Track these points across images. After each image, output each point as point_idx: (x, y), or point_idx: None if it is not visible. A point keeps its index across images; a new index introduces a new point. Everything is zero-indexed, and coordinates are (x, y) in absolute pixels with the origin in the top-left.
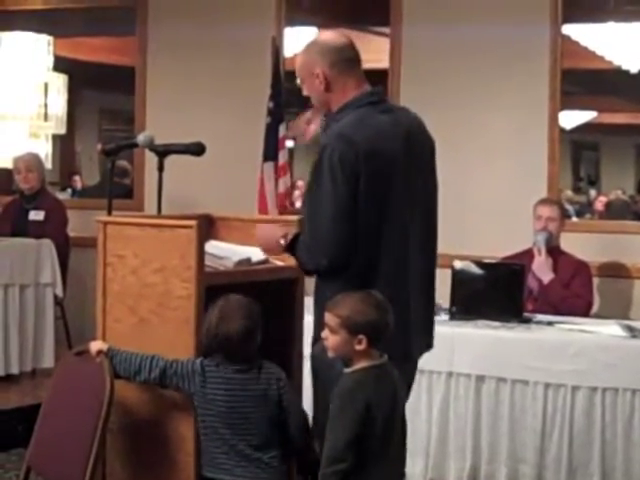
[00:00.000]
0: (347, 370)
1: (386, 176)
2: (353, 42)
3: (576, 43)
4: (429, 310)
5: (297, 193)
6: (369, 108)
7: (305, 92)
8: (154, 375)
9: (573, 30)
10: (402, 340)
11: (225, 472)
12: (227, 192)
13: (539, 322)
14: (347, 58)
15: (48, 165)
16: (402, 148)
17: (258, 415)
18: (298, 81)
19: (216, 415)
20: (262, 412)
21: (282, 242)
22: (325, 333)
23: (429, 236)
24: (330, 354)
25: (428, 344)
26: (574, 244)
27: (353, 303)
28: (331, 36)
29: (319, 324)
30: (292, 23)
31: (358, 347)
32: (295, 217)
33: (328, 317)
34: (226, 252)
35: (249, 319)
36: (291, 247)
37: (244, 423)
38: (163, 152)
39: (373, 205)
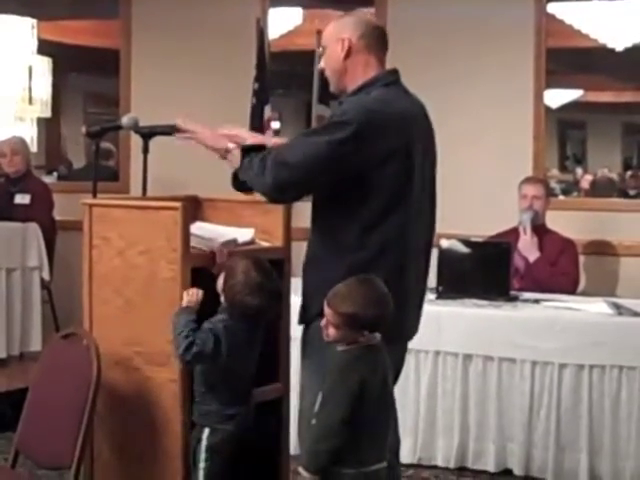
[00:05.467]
0: (340, 348)
1: (406, 158)
2: (385, 30)
3: (561, 21)
4: (422, 297)
5: None
6: (395, 88)
7: (322, 64)
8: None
9: (558, 8)
10: (400, 324)
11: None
12: (213, 173)
13: (526, 300)
14: (377, 37)
15: (33, 148)
16: (419, 132)
17: (256, 355)
18: (319, 50)
19: (230, 368)
20: (257, 352)
21: (230, 146)
22: (325, 323)
23: (432, 222)
24: (327, 339)
25: (415, 329)
26: (560, 222)
27: (356, 300)
28: (367, 15)
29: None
30: (276, 4)
31: (361, 339)
32: None
33: (329, 313)
34: (212, 233)
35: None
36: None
37: (249, 364)
38: (148, 134)
39: (393, 187)
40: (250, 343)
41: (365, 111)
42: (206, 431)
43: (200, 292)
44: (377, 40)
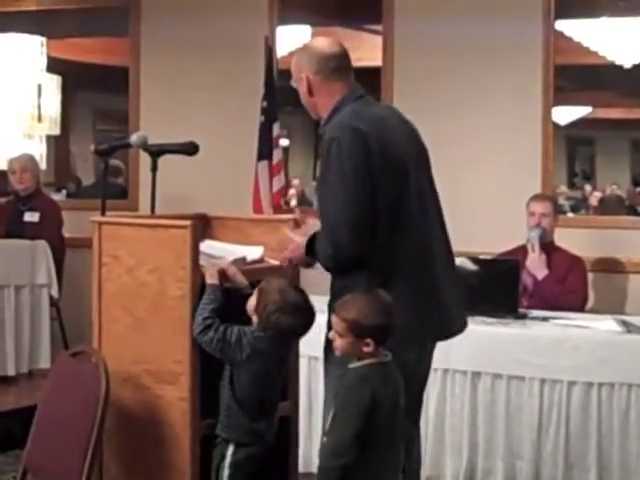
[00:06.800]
0: (352, 365)
1: (399, 161)
2: (345, 51)
3: (569, 39)
4: (460, 295)
5: (292, 192)
6: (361, 101)
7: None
8: (218, 336)
9: (566, 26)
10: (438, 323)
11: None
12: (222, 191)
13: (534, 318)
14: (333, 67)
15: (42, 166)
16: (405, 134)
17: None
18: (292, 81)
19: (258, 382)
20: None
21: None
22: (332, 334)
23: (442, 221)
24: (337, 353)
25: (463, 324)
26: (569, 239)
27: (359, 306)
28: (322, 43)
29: None
30: (285, 22)
31: (365, 349)
32: (289, 216)
33: (335, 320)
34: (221, 252)
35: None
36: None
37: (277, 380)
38: (157, 152)
39: (390, 191)
40: (280, 360)
41: (344, 129)
42: (230, 448)
43: (217, 267)
44: (333, 71)
